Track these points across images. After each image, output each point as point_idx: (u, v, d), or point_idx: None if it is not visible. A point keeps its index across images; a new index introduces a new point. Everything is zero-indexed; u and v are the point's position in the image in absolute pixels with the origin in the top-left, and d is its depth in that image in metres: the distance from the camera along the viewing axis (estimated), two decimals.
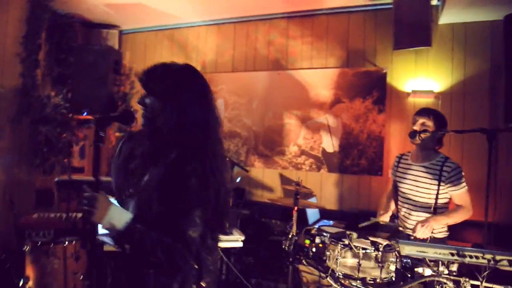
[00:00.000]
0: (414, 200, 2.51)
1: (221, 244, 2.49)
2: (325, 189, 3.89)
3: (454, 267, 1.68)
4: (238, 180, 3.93)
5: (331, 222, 3.65)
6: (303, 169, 3.97)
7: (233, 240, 2.53)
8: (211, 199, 1.28)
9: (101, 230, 2.36)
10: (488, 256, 1.56)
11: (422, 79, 3.55)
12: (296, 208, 3.17)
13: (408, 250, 1.68)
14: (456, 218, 2.39)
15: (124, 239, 1.25)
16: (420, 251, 1.67)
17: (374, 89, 3.72)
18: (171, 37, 4.61)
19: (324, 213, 3.76)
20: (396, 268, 2.14)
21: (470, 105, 3.39)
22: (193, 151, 1.30)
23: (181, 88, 1.34)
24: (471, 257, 1.59)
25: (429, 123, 2.44)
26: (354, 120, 3.79)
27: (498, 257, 1.56)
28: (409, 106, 3.61)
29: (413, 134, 2.45)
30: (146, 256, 1.23)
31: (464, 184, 2.39)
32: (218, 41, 4.39)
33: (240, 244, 2.54)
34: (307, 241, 3.08)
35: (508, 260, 1.55)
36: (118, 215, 1.24)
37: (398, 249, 2.05)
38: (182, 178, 1.25)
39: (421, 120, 2.46)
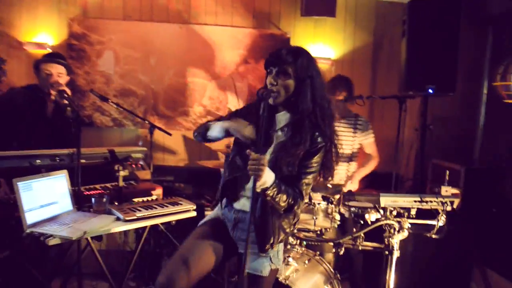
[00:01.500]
0: None
1: (172, 218, 2.29)
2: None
3: (413, 211, 2.06)
4: (140, 143, 3.58)
5: None
6: None
7: (185, 211, 2.35)
8: (323, 168, 1.66)
9: (33, 219, 1.85)
10: (440, 200, 2.00)
11: (321, 46, 3.90)
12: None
13: (385, 201, 1.98)
14: (369, 168, 3.06)
15: (268, 193, 1.51)
16: (393, 201, 1.98)
17: None
18: None
19: None
20: (344, 217, 2.48)
21: (356, 73, 3.92)
22: (325, 126, 1.61)
23: (311, 68, 1.60)
24: (427, 202, 2.00)
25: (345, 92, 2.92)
26: (259, 81, 3.89)
27: (445, 200, 2.01)
28: None
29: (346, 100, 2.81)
30: (280, 205, 1.55)
31: (373, 135, 3.04)
32: None
33: (194, 214, 2.39)
34: None
35: (451, 202, 2.03)
36: (269, 174, 1.50)
37: (352, 200, 2.37)
38: (314, 150, 1.59)
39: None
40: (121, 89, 3.78)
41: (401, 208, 2.07)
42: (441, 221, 2.18)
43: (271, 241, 1.64)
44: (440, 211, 2.17)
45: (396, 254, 2.24)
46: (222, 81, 3.87)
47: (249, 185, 1.65)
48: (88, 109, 3.74)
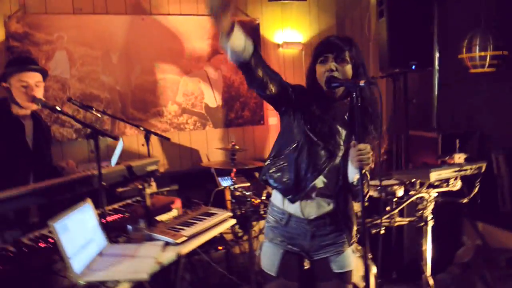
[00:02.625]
0: None
1: (217, 230, 2.08)
2: (211, 146, 3.74)
3: (452, 181, 2.19)
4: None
5: (228, 178, 3.60)
6: (187, 128, 3.63)
7: (224, 220, 2.15)
8: None
9: (80, 266, 1.50)
10: (474, 166, 2.16)
11: (289, 31, 3.85)
12: (234, 170, 2.99)
13: (435, 176, 2.06)
14: None
15: (364, 182, 1.47)
16: (438, 175, 2.08)
17: None
18: None
19: (218, 171, 3.65)
20: (372, 197, 2.52)
21: None
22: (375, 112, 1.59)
23: (361, 55, 1.57)
24: (466, 170, 2.14)
25: None
26: (233, 72, 3.72)
27: (478, 165, 2.18)
28: (280, 57, 3.88)
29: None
30: (364, 193, 1.51)
31: None
32: None
33: (234, 222, 2.20)
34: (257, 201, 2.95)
35: (479, 167, 2.20)
36: None
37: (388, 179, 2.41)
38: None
39: None
40: (81, 95, 3.28)
41: (439, 180, 2.18)
42: (457, 186, 2.36)
43: (355, 232, 1.65)
44: (456, 177, 2.35)
45: (431, 223, 2.38)
46: (195, 75, 3.60)
47: (326, 184, 1.60)
48: None
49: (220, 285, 3.00)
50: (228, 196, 3.27)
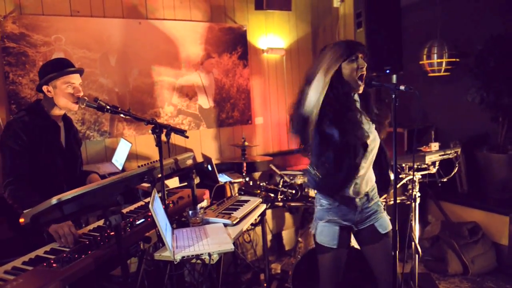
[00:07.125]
0: None
1: (256, 214, 2.31)
2: (204, 145, 3.92)
3: (437, 163, 2.67)
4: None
5: (223, 174, 3.81)
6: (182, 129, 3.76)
7: (258, 205, 2.39)
8: None
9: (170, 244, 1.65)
10: (452, 151, 2.66)
11: (272, 38, 4.19)
12: (245, 164, 3.21)
13: (428, 159, 2.51)
14: None
15: None
16: (430, 158, 2.54)
17: (238, 45, 3.99)
18: None
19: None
20: None
21: (302, 60, 4.40)
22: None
23: None
24: (448, 154, 2.64)
25: None
26: (224, 75, 3.95)
27: (455, 150, 2.69)
28: (264, 61, 4.20)
29: None
30: None
31: None
32: None
33: (264, 206, 2.44)
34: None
35: (456, 151, 2.71)
36: None
37: None
38: None
39: None
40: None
41: (424, 163, 2.65)
42: (435, 169, 2.88)
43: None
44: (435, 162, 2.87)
45: (418, 201, 2.86)
46: (189, 78, 3.77)
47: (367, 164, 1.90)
48: None
49: (227, 273, 3.19)
50: (228, 191, 3.50)
